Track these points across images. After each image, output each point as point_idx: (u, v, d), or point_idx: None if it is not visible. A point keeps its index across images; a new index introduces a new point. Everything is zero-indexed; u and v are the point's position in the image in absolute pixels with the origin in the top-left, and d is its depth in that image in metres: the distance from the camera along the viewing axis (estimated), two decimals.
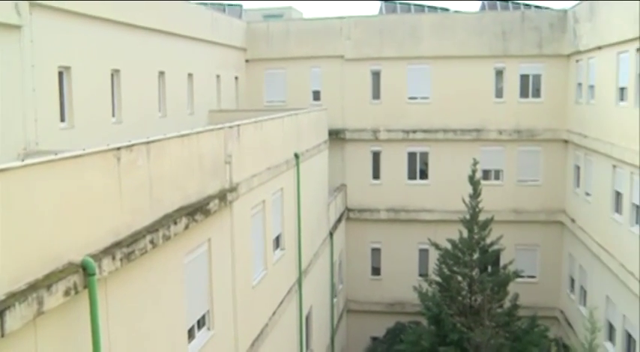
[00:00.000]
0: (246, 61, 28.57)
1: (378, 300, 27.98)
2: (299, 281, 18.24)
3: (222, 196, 11.21)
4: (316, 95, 28.35)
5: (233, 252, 12.20)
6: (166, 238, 8.59)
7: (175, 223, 8.92)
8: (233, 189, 11.99)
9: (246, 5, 43.73)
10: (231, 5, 32.70)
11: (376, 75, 27.79)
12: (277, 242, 16.42)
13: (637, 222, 18.62)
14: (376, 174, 27.92)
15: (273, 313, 15.40)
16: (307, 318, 19.70)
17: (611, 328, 20.41)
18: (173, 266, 9.26)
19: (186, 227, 9.34)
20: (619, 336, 19.49)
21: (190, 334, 10.14)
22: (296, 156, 17.94)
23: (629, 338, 18.79)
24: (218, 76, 25.06)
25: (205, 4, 28.51)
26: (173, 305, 9.27)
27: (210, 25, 24.24)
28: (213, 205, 10.64)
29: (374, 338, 27.50)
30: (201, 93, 23.05)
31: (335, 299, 24.61)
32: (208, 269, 10.90)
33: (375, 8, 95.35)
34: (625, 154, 19.10)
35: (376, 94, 27.83)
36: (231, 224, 12.12)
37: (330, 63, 27.98)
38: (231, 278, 12.11)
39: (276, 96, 28.45)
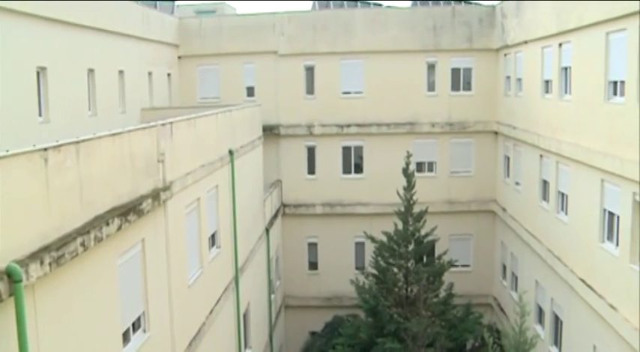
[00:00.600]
0: (179, 57, 28.19)
1: (316, 295, 28.13)
2: (236, 279, 18.18)
3: (155, 195, 11.07)
4: (250, 91, 28.22)
5: (168, 252, 12.06)
6: (98, 240, 8.44)
7: (107, 224, 8.77)
8: (167, 187, 11.86)
9: (178, 1, 42.92)
10: (163, 1, 32.14)
11: (310, 70, 27.87)
12: (213, 240, 16.29)
13: (562, 209, 19.34)
14: (311, 169, 28.04)
15: (210, 312, 15.29)
16: (245, 316, 19.65)
17: (540, 311, 21.17)
18: (106, 269, 9.11)
19: (119, 228, 9.19)
20: (548, 318, 20.24)
21: (125, 337, 9.98)
22: (230, 152, 17.85)
23: (557, 320, 19.57)
24: (150, 73, 24.64)
25: None
26: (107, 309, 9.12)
27: (141, 21, 23.79)
28: (146, 205, 10.50)
29: (312, 333, 27.59)
30: (132, 91, 22.60)
31: (273, 296, 24.59)
32: (143, 270, 10.75)
33: (308, 4, 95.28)
34: (551, 144, 19.79)
35: (310, 89, 27.91)
36: (165, 223, 11.99)
37: (264, 59, 27.90)
38: (166, 279, 11.98)
39: (210, 93, 28.18)
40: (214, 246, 16.40)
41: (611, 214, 15.75)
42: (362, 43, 27.34)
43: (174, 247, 12.40)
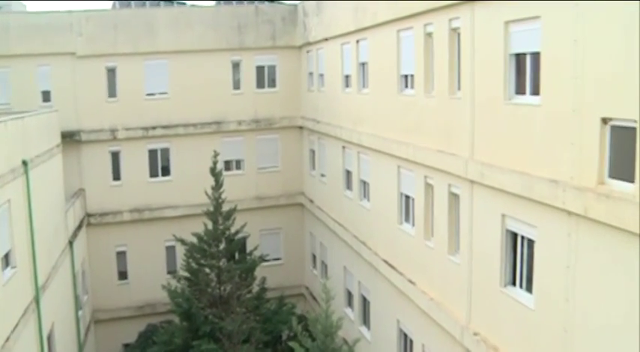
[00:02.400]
0: None
1: (127, 305, 26.95)
2: (36, 299, 16.94)
3: None
4: (46, 95, 26.34)
5: None
6: None
7: None
8: None
9: None
10: None
11: (112, 72, 26.69)
12: (7, 260, 15.07)
13: (365, 197, 20.42)
14: (116, 175, 26.84)
15: (7, 339, 14.03)
16: (49, 338, 18.36)
17: (349, 295, 22.19)
18: None
19: None
20: (356, 301, 21.30)
21: None
22: (24, 163, 16.68)
23: (365, 301, 20.66)
24: None
25: None
26: None
27: None
28: None
29: (126, 345, 26.46)
30: None
31: (80, 312, 23.22)
32: None
33: (108, 3, 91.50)
34: (352, 136, 20.80)
35: (112, 92, 26.71)
36: None
37: (61, 60, 26.20)
38: None
39: None
40: (9, 267, 15.17)
41: (407, 197, 16.98)
42: (166, 43, 26.74)
43: None
